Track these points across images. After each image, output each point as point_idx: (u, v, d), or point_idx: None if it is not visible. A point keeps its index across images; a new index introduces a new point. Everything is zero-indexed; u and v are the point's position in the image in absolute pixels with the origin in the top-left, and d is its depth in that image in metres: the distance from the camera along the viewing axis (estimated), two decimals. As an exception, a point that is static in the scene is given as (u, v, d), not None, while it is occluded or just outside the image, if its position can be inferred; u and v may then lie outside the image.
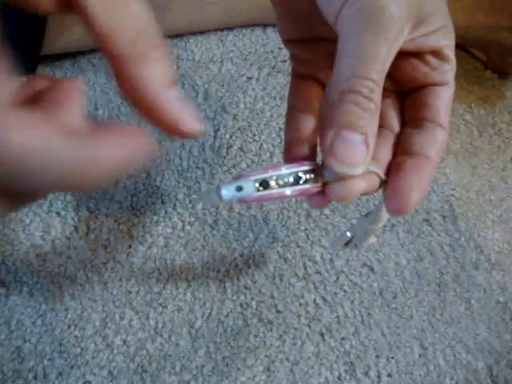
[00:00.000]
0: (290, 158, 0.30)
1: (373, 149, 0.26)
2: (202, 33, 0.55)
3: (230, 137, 0.50)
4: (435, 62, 0.30)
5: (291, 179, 0.26)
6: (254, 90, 0.52)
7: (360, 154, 0.25)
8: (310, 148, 0.30)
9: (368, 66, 0.25)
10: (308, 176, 0.26)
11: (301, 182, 0.26)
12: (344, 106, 0.25)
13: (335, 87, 0.26)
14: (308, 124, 0.31)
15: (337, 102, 0.25)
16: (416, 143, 0.29)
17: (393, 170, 0.29)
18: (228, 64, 0.54)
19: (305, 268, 0.45)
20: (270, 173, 0.25)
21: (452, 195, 0.50)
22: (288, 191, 0.26)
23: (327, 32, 0.30)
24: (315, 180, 0.26)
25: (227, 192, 0.25)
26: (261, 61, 0.54)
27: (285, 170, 0.26)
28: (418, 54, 0.30)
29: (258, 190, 0.25)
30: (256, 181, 0.25)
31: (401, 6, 0.26)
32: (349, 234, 0.35)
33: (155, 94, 0.22)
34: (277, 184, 0.25)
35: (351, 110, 0.25)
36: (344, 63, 0.26)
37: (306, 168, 0.26)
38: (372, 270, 0.45)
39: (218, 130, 0.50)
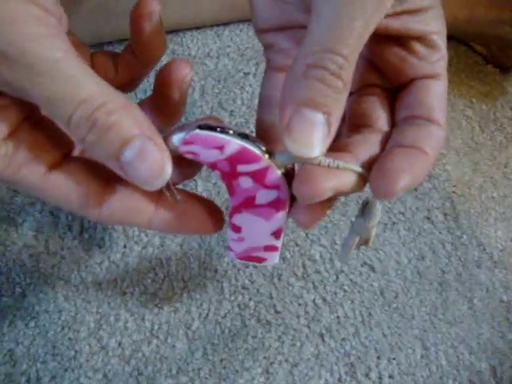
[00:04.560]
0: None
1: (335, 131, 0.24)
2: (198, 28, 0.54)
3: (227, 134, 0.49)
4: (423, 51, 0.28)
5: (237, 134, 0.26)
6: (251, 85, 0.51)
7: (318, 135, 0.23)
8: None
9: (339, 40, 0.23)
10: (258, 143, 0.26)
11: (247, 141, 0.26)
12: (307, 82, 0.23)
13: (301, 60, 0.23)
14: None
15: (300, 75, 0.23)
16: (409, 137, 0.27)
17: (381, 157, 0.27)
18: (225, 59, 0.53)
19: (304, 267, 0.44)
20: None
21: (453, 192, 0.49)
22: (230, 139, 0.25)
23: (306, 19, 0.29)
24: (265, 153, 0.26)
25: (176, 136, 0.26)
26: (258, 56, 0.53)
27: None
28: (403, 42, 0.28)
29: (201, 129, 0.26)
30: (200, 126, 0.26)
31: None
32: (356, 238, 0.33)
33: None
34: (222, 132, 0.25)
35: (314, 87, 0.23)
36: (313, 35, 0.24)
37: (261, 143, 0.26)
38: (372, 269, 0.45)
39: (215, 126, 0.49)
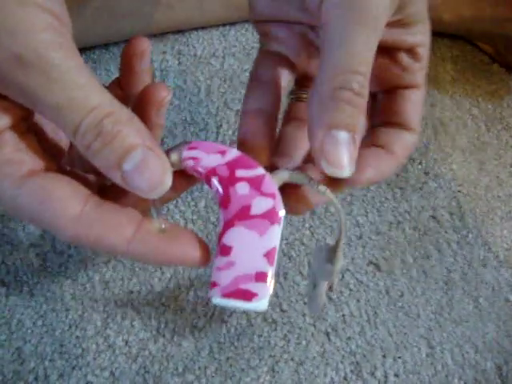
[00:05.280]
0: (245, 127, 0.30)
1: (359, 145, 0.26)
2: (203, 28, 0.54)
3: (233, 133, 0.49)
4: (407, 62, 0.29)
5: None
6: (256, 85, 0.51)
7: (348, 155, 0.25)
8: (266, 120, 0.30)
9: (359, 60, 0.25)
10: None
11: None
12: (335, 104, 0.25)
13: (327, 82, 0.25)
14: (269, 96, 0.31)
15: (328, 98, 0.25)
16: (381, 140, 0.30)
17: None
18: (230, 59, 0.53)
19: (310, 266, 0.44)
20: None
21: (459, 191, 0.49)
22: (231, 148, 0.27)
23: (303, 18, 0.30)
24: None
25: (179, 146, 0.27)
26: (264, 56, 0.53)
27: None
28: (390, 51, 0.29)
29: None
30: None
31: None
32: (325, 285, 0.31)
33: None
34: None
35: (343, 108, 0.25)
36: (334, 56, 0.25)
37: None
38: (378, 268, 0.45)
39: (221, 126, 0.49)
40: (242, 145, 0.29)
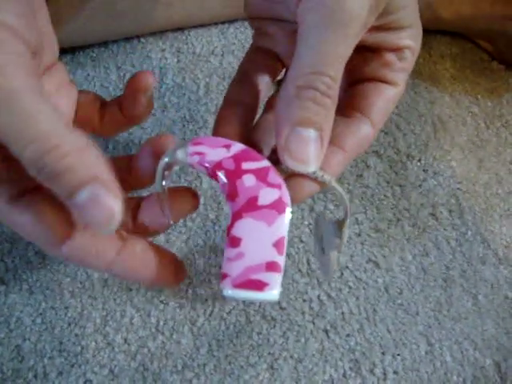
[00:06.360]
0: (220, 115, 0.30)
1: (327, 145, 0.26)
2: (202, 26, 0.54)
3: (232, 131, 0.49)
4: (391, 58, 0.29)
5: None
6: (255, 83, 0.51)
7: (313, 151, 0.25)
8: (243, 111, 0.30)
9: (327, 63, 0.25)
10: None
11: None
12: (300, 102, 0.25)
13: (293, 81, 0.26)
14: (250, 89, 0.31)
15: (294, 96, 0.25)
16: (334, 131, 0.28)
17: None
18: (229, 57, 0.53)
19: (308, 264, 0.44)
20: None
21: (458, 189, 0.49)
22: (235, 142, 0.27)
23: (289, 17, 0.30)
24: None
25: (185, 143, 0.27)
26: (263, 53, 0.53)
27: None
28: (376, 50, 0.29)
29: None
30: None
31: (362, 1, 0.25)
32: (336, 256, 0.32)
33: None
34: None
35: (307, 106, 0.25)
36: (303, 58, 0.26)
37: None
38: (377, 265, 0.45)
39: (220, 124, 0.49)
40: (214, 131, 0.30)
